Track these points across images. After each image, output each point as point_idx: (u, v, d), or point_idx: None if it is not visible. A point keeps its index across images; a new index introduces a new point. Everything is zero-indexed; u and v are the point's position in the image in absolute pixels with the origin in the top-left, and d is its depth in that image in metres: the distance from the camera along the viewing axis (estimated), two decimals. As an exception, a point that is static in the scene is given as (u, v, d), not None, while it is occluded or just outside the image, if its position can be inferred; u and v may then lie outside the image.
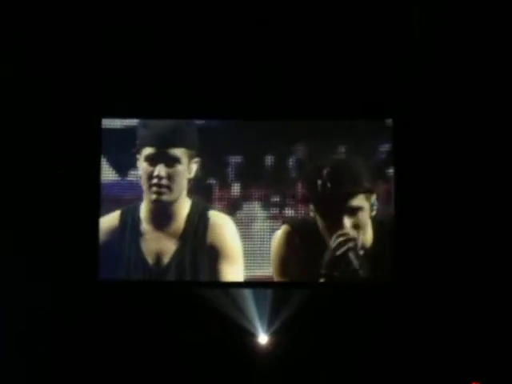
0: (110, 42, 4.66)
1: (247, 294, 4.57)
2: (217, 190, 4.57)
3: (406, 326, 4.60)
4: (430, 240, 4.63)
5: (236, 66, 4.68)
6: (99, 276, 4.56)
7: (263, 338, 4.64)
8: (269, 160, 4.60)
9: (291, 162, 4.60)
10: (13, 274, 4.45)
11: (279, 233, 4.53)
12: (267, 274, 4.51)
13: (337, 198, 4.47)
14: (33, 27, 4.65)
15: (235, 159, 4.60)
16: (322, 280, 4.50)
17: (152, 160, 4.52)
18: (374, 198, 4.53)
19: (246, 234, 4.53)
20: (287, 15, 4.65)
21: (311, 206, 4.52)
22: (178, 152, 4.53)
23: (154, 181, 4.49)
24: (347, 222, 4.46)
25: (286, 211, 4.55)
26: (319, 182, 4.50)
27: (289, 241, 4.52)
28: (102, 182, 4.61)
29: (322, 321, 4.59)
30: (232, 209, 4.55)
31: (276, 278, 4.51)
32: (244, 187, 4.58)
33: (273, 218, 4.55)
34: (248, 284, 4.54)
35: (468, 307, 4.58)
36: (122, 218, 4.56)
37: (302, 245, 4.50)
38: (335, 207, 4.47)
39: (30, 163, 4.63)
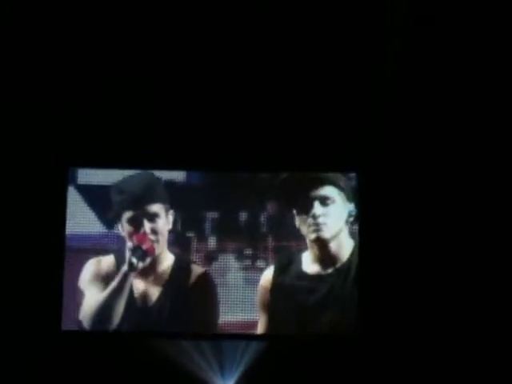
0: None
1: (209, 344, 4.93)
2: (195, 243, 5.01)
3: (372, 379, 4.83)
4: (394, 292, 4.88)
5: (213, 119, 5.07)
6: (63, 326, 4.90)
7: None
8: (243, 216, 5.06)
9: (263, 217, 5.05)
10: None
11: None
12: (239, 319, 4.92)
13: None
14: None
15: (212, 215, 5.05)
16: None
17: (136, 221, 4.93)
18: None
19: (221, 283, 4.94)
20: (264, 67, 5.05)
21: None
22: (156, 208, 4.96)
23: (149, 238, 4.91)
24: None
25: (258, 263, 4.99)
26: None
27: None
28: (67, 233, 4.98)
29: (283, 372, 4.85)
30: (209, 260, 4.99)
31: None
32: (220, 240, 5.02)
33: (245, 268, 4.98)
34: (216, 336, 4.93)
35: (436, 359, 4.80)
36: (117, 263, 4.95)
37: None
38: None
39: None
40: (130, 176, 5.06)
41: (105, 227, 4.98)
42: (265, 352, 4.89)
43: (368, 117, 5.02)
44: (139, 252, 4.89)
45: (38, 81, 5.00)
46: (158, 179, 5.06)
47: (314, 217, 4.92)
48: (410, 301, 4.90)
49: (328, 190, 4.99)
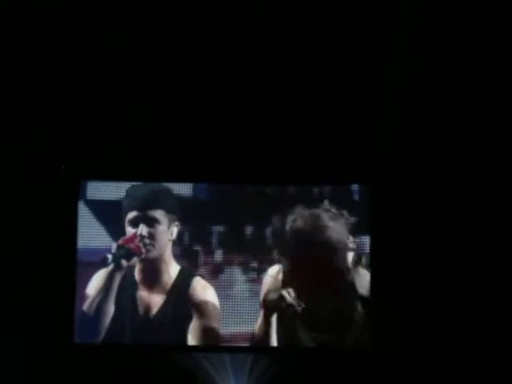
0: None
1: (222, 356, 5.02)
2: (202, 256, 5.10)
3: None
4: (407, 308, 4.89)
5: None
6: (76, 338, 5.01)
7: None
8: (248, 229, 5.13)
9: (268, 231, 5.12)
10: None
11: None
12: (245, 331, 5.00)
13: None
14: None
15: (218, 229, 5.13)
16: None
17: (134, 222, 5.03)
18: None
19: (227, 295, 5.03)
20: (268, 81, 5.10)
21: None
22: (158, 214, 5.04)
23: (138, 239, 4.99)
24: None
25: (264, 276, 5.04)
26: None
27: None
28: (79, 247, 5.08)
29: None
30: (215, 273, 5.08)
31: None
32: (226, 254, 5.11)
33: (251, 281, 5.07)
34: (225, 348, 5.02)
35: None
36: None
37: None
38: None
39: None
40: (140, 184, 5.15)
41: (113, 241, 5.05)
42: (272, 364, 4.97)
43: (375, 128, 5.06)
44: (122, 251, 4.96)
45: (48, 93, 5.08)
46: (169, 190, 5.14)
47: None
48: (420, 316, 4.90)
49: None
